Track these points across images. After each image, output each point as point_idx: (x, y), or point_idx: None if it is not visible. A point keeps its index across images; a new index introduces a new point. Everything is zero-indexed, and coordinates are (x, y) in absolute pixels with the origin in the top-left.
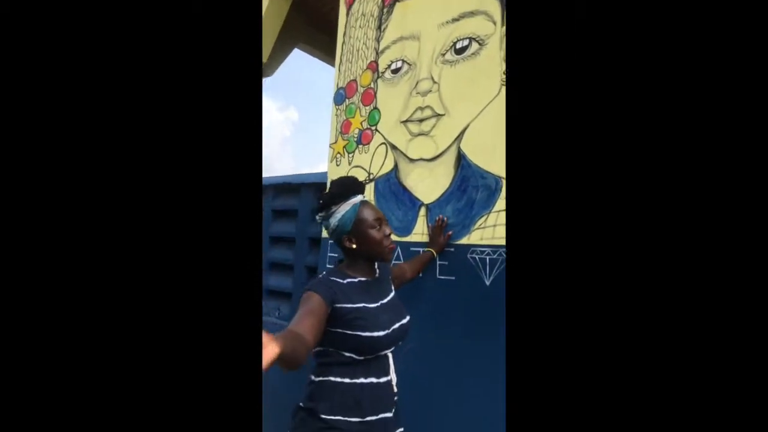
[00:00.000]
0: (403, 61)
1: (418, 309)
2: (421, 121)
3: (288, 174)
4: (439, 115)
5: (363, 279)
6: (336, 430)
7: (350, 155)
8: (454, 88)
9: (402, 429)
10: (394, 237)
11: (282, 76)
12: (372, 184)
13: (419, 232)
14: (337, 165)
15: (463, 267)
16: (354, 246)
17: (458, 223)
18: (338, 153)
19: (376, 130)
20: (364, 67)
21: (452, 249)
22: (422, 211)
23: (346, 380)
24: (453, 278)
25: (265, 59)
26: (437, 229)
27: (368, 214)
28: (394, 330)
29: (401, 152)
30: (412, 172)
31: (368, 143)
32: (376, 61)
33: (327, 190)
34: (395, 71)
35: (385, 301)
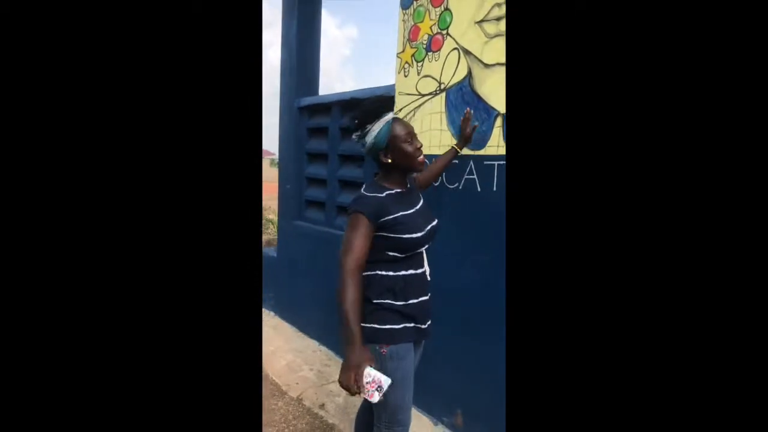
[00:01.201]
0: None
1: (494, 224)
2: (498, 19)
3: (354, 89)
4: None
5: (398, 190)
6: (385, 311)
7: (419, 64)
8: None
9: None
10: (465, 150)
11: None
12: (443, 95)
13: (494, 144)
14: (405, 76)
15: None
16: (389, 160)
17: None
18: (406, 62)
19: (448, 34)
20: None
21: None
22: (498, 121)
23: (390, 273)
24: None
25: None
26: (464, 122)
27: (400, 130)
28: (428, 231)
29: (475, 57)
30: (488, 79)
31: (439, 50)
32: None
33: (358, 111)
34: None
35: (418, 207)
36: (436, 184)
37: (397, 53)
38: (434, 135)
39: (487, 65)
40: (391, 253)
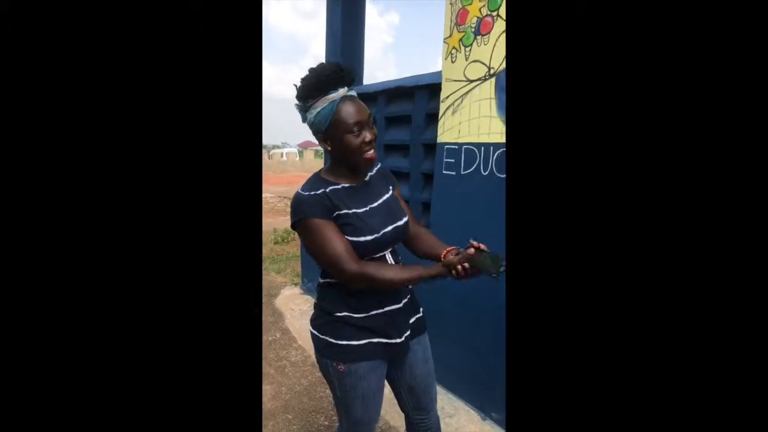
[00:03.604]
0: None
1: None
2: None
3: (400, 77)
4: None
5: (347, 185)
6: (342, 324)
7: (467, 49)
8: None
9: (420, 315)
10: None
11: None
12: (492, 80)
13: None
14: (453, 62)
15: None
16: (330, 149)
17: None
18: (453, 48)
19: (498, 15)
20: None
21: None
22: None
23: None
24: None
25: None
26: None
27: (347, 115)
28: (385, 233)
29: None
30: None
31: (488, 32)
32: None
33: (302, 80)
34: None
35: (375, 204)
36: (485, 173)
37: (444, 38)
38: (483, 122)
39: None
40: None
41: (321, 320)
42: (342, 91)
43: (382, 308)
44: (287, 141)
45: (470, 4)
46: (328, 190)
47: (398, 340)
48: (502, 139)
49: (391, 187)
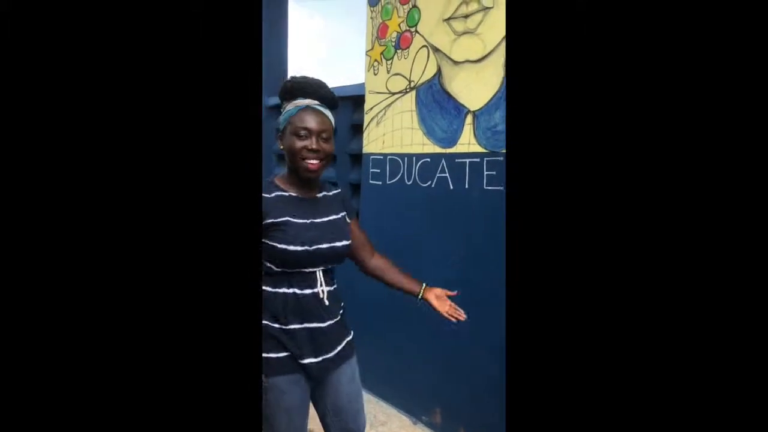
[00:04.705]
0: None
1: (467, 221)
2: (466, 17)
3: None
4: (486, 8)
5: (294, 194)
6: (265, 334)
7: (388, 62)
8: None
9: (349, 339)
10: (436, 149)
11: None
12: (413, 93)
13: (465, 142)
14: (375, 74)
15: None
16: (281, 147)
17: None
18: (375, 61)
19: (416, 31)
20: None
21: (501, 158)
22: (468, 118)
23: (268, 289)
24: (501, 188)
25: None
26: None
27: (300, 120)
28: (319, 249)
29: (444, 54)
30: (457, 76)
31: (408, 47)
32: None
33: (282, 84)
34: None
35: (318, 220)
36: (409, 182)
37: (366, 51)
38: (405, 133)
39: (456, 62)
40: (267, 264)
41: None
42: (309, 101)
43: (301, 324)
44: None
45: (390, 19)
46: (272, 195)
47: (313, 361)
48: (423, 150)
49: (344, 213)
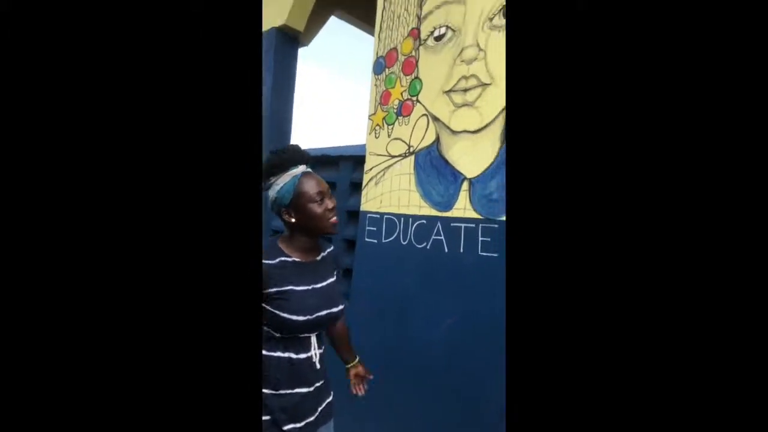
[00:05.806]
0: (447, 27)
1: (460, 285)
2: (465, 91)
3: (326, 147)
4: (485, 84)
5: (299, 260)
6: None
7: (390, 127)
8: (502, 56)
9: (330, 399)
10: (433, 212)
11: (318, 45)
12: (412, 158)
13: (461, 207)
14: (376, 137)
15: None
16: (293, 220)
17: (502, 199)
18: (377, 125)
19: (418, 101)
20: (405, 35)
21: (496, 225)
22: (465, 185)
23: (265, 352)
24: (496, 255)
25: (301, 28)
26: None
27: (309, 187)
28: (318, 317)
29: (444, 124)
30: (455, 145)
31: (409, 115)
32: (418, 28)
33: (265, 161)
34: (438, 38)
35: (318, 285)
36: (404, 242)
37: (369, 115)
38: (403, 194)
39: (454, 132)
40: (266, 329)
41: None
42: (302, 168)
43: (293, 389)
44: None
45: (393, 87)
46: (276, 261)
47: (294, 426)
48: (420, 211)
49: (336, 272)
